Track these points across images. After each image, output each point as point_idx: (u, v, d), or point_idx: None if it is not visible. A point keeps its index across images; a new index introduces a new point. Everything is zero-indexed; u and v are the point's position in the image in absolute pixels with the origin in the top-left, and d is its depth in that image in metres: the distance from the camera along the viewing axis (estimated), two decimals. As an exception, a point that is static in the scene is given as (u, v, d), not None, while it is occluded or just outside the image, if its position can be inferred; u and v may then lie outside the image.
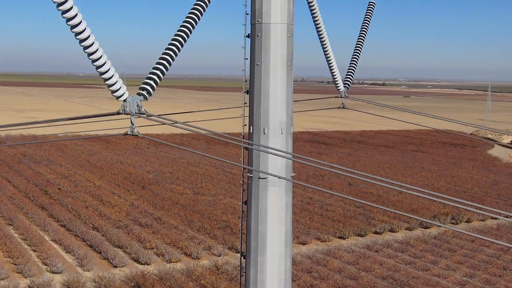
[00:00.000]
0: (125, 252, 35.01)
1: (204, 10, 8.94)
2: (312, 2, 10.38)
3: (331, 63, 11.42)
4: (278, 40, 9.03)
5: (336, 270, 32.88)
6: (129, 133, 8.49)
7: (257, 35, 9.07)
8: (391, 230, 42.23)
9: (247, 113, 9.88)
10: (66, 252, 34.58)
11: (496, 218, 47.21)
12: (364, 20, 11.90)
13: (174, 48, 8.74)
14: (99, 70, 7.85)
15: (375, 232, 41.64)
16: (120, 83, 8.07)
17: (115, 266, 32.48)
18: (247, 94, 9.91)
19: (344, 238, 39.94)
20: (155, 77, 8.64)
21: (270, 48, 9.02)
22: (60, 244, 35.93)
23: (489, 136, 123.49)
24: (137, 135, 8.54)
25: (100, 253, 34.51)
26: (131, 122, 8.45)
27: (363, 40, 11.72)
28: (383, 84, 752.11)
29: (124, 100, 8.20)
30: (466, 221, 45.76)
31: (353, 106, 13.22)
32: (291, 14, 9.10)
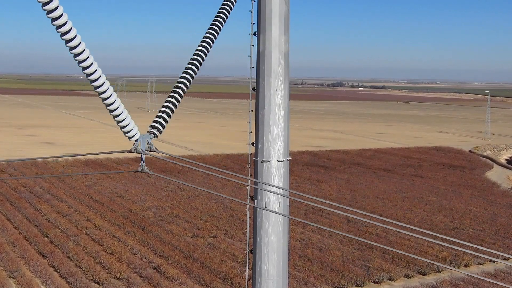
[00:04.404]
0: (125, 311, 35.34)
1: (216, 37, 8.70)
2: None
3: None
4: None
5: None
6: (139, 170, 8.48)
7: None
8: (390, 279, 42.56)
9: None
10: (67, 313, 34.92)
11: (494, 261, 47.58)
12: None
13: (184, 80, 8.39)
14: (112, 113, 7.84)
15: (374, 282, 41.98)
16: (131, 124, 8.03)
17: (116, 330, 32.83)
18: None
19: (342, 290, 40.26)
20: (164, 115, 8.33)
21: None
22: (61, 302, 36.29)
23: (488, 152, 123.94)
24: (147, 173, 8.46)
25: (101, 313, 34.85)
26: (142, 160, 8.43)
27: None
28: (383, 87, 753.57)
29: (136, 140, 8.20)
30: (465, 266, 46.05)
31: None
32: None
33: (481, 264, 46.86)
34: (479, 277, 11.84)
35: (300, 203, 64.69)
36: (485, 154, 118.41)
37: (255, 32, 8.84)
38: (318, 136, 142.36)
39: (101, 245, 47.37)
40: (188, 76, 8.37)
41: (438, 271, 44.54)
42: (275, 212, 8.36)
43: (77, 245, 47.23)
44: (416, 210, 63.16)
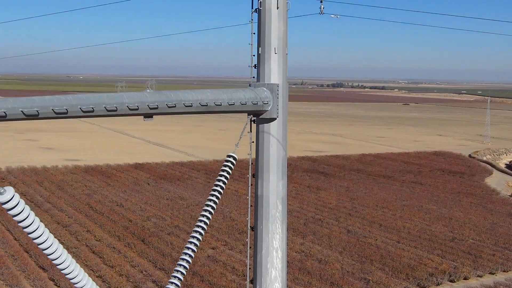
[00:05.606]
0: (125, 328, 35.43)
1: (218, 201, 8.79)
2: None
3: None
4: None
5: None
6: None
7: None
8: (389, 292, 42.61)
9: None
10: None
11: (493, 274, 47.69)
12: None
13: (189, 251, 8.42)
14: None
15: (373, 296, 42.03)
16: None
17: None
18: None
19: (342, 304, 40.33)
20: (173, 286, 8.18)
21: None
22: (62, 318, 36.38)
23: (488, 157, 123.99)
24: None
25: (101, 329, 34.93)
26: None
27: None
28: (382, 88, 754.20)
29: None
30: (464, 279, 46.08)
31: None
32: None
33: (480, 276, 46.93)
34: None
35: (300, 213, 64.76)
36: (484, 158, 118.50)
37: (253, 174, 9.08)
38: (318, 140, 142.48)
39: (101, 258, 47.42)
40: (192, 246, 8.29)
41: (438, 284, 44.60)
42: None
43: (77, 257, 47.22)
44: (415, 219, 63.20)
